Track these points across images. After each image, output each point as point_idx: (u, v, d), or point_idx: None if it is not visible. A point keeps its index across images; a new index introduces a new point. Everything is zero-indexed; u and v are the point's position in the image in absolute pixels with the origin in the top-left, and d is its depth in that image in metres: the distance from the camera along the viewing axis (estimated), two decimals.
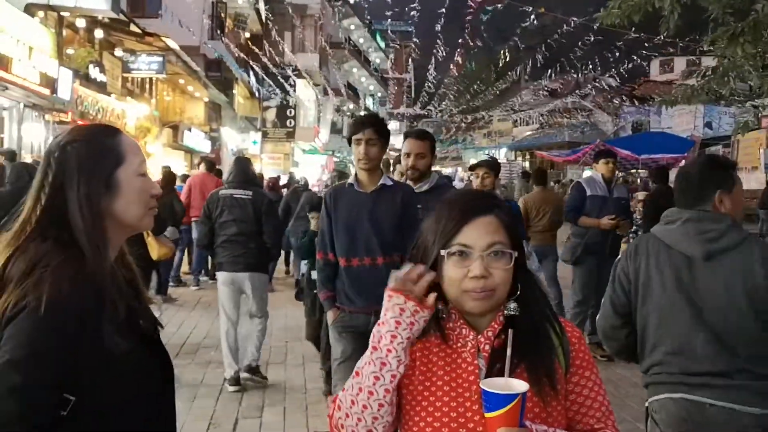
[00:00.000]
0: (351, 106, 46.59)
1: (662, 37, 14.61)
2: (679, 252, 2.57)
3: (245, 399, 5.52)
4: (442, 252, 1.45)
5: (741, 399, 2.39)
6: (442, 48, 28.09)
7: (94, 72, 15.18)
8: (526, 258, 1.55)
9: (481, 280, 1.42)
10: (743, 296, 2.45)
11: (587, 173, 15.72)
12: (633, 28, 14.49)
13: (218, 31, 24.58)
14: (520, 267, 1.49)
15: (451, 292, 1.46)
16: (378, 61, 56.00)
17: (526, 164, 39.77)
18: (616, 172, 7.36)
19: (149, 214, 1.63)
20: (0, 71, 10.33)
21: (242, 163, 6.33)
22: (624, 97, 36.94)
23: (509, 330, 1.44)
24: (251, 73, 28.66)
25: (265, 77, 29.92)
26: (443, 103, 47.60)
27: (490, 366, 1.46)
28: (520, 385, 1.36)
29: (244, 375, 5.79)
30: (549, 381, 1.46)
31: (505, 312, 1.48)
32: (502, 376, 1.41)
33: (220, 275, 5.95)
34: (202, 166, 11.67)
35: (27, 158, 11.23)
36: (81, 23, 14.36)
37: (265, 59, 27.94)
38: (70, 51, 14.64)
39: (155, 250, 6.07)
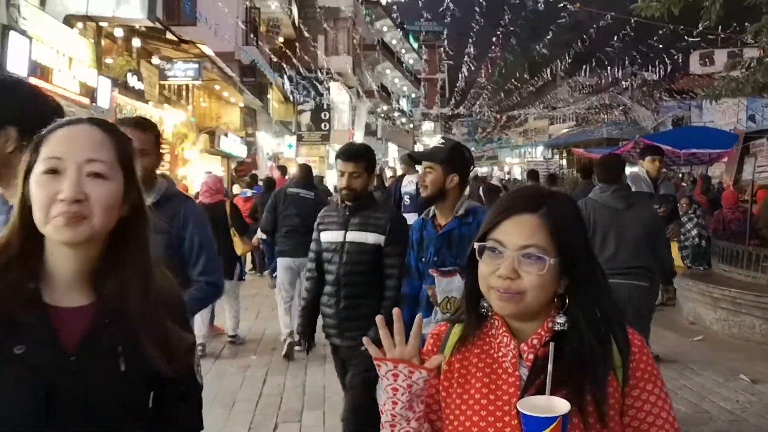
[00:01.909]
0: (385, 107, 46.59)
1: (701, 29, 14.25)
2: (609, 206, 4.86)
3: (284, 403, 5.51)
4: (476, 245, 1.38)
5: (638, 279, 4.73)
6: (475, 47, 27.91)
7: (132, 80, 15.41)
8: (591, 268, 1.40)
9: (506, 281, 1.33)
10: (641, 227, 4.80)
11: (629, 170, 15.44)
12: (668, 22, 14.19)
13: (252, 37, 24.79)
14: (576, 278, 1.36)
15: (482, 287, 1.39)
16: (411, 61, 55.93)
17: (564, 162, 39.33)
18: (663, 169, 7.22)
19: (55, 223, 1.28)
20: (41, 82, 10.52)
21: (307, 168, 7.82)
22: (663, 92, 36.27)
23: (551, 343, 1.32)
24: (285, 77, 28.86)
25: (299, 81, 30.09)
26: (478, 102, 47.33)
27: (531, 377, 1.36)
28: (561, 405, 1.25)
29: (289, 340, 6.89)
30: (596, 404, 1.32)
31: (551, 326, 1.37)
32: (544, 390, 1.29)
33: (282, 260, 7.09)
34: (277, 172, 15.15)
35: None
36: (119, 33, 14.58)
37: (298, 63, 28.09)
38: (108, 60, 14.89)
39: (240, 247, 7.60)
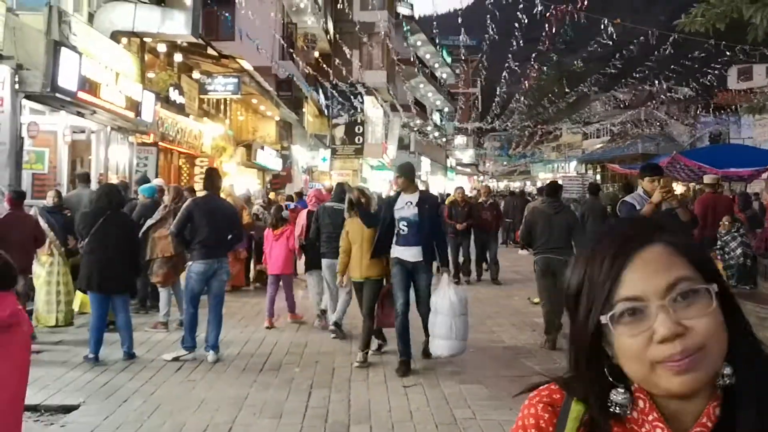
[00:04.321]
0: (418, 121, 46.70)
1: (746, 46, 14.10)
2: (544, 211, 8.07)
3: (331, 416, 5.55)
4: (603, 320, 0.98)
5: (561, 255, 7.47)
6: (510, 61, 27.89)
7: (173, 94, 15.73)
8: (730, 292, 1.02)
9: (676, 342, 0.94)
10: (565, 225, 7.87)
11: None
12: (712, 38, 14.07)
13: (289, 51, 25.10)
14: (727, 308, 0.99)
15: (634, 371, 0.98)
16: (445, 76, 56.04)
17: (598, 177, 38.98)
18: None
19: None
20: (90, 96, 10.80)
21: (341, 186, 8.93)
22: (700, 107, 35.83)
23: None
24: (320, 91, 29.13)
25: (334, 95, 30.35)
26: (512, 118, 47.18)
27: None
28: None
29: (330, 327, 8.31)
30: None
31: (719, 382, 0.98)
32: None
33: (325, 261, 8.39)
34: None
35: (113, 179, 11.69)
36: (161, 48, 14.92)
37: (333, 77, 28.35)
38: (150, 75, 15.22)
39: None
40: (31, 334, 3.61)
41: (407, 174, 7.13)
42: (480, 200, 14.39)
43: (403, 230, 6.86)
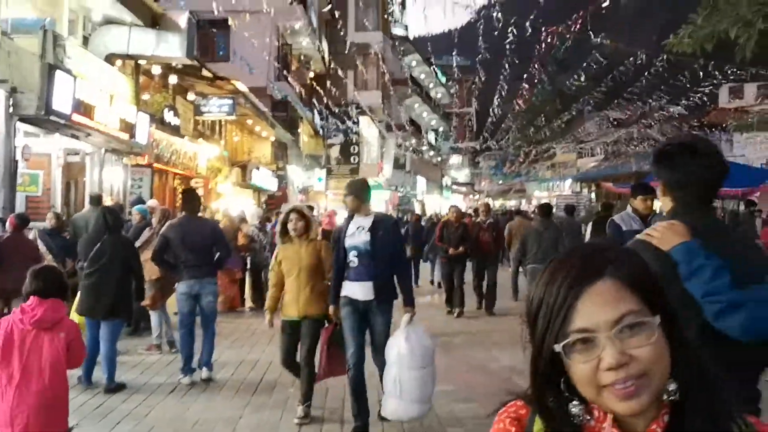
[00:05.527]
0: (413, 141, 46.91)
1: (734, 66, 14.25)
2: (537, 228, 10.64)
3: None
4: (557, 348, 1.08)
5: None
6: (504, 82, 28.12)
7: (168, 116, 15.79)
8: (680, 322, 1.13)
9: (620, 370, 1.04)
10: (553, 239, 10.12)
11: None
12: (702, 58, 14.21)
13: (284, 72, 25.27)
14: (674, 335, 1.09)
15: (586, 392, 1.09)
16: (440, 96, 56.39)
17: (593, 195, 39.11)
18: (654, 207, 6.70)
19: None
20: (84, 118, 10.85)
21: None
22: (693, 125, 36.07)
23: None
24: (315, 111, 29.28)
25: (329, 115, 30.51)
26: (506, 137, 47.42)
27: None
28: None
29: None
30: None
31: (664, 398, 1.08)
32: None
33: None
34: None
35: (107, 201, 11.71)
36: (156, 70, 15.00)
37: (328, 98, 28.52)
38: (145, 96, 15.29)
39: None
40: (69, 341, 4.06)
41: (357, 192, 5.75)
42: (478, 220, 12.93)
43: (353, 261, 5.58)
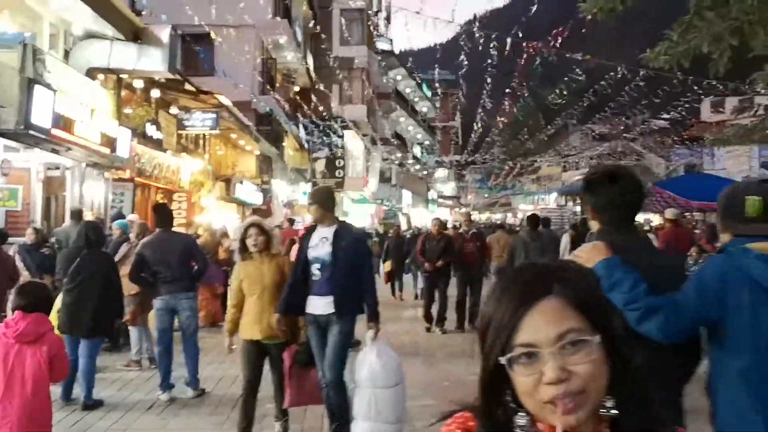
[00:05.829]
0: (399, 155, 47.03)
1: (712, 80, 14.43)
2: (525, 239, 10.85)
3: None
4: (502, 360, 1.11)
5: None
6: (488, 96, 28.32)
7: (150, 130, 15.73)
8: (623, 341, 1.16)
9: (560, 385, 1.07)
10: (539, 249, 10.28)
11: (643, 217, 15.48)
12: (679, 73, 14.36)
13: (268, 86, 25.28)
14: (614, 354, 1.12)
15: (528, 404, 1.12)
16: (425, 110, 56.64)
17: (578, 209, 39.34)
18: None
19: None
20: (64, 133, 10.79)
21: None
22: (675, 139, 36.46)
23: None
24: (300, 125, 29.31)
25: (313, 129, 30.55)
26: (491, 150, 47.67)
27: None
28: None
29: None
30: None
31: (602, 412, 1.12)
32: None
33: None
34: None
35: (88, 216, 11.64)
36: (138, 84, 14.95)
37: (313, 112, 28.57)
38: (127, 110, 15.24)
39: None
40: (52, 355, 4.10)
41: (321, 201, 5.55)
42: (461, 230, 12.86)
43: (316, 275, 5.35)
